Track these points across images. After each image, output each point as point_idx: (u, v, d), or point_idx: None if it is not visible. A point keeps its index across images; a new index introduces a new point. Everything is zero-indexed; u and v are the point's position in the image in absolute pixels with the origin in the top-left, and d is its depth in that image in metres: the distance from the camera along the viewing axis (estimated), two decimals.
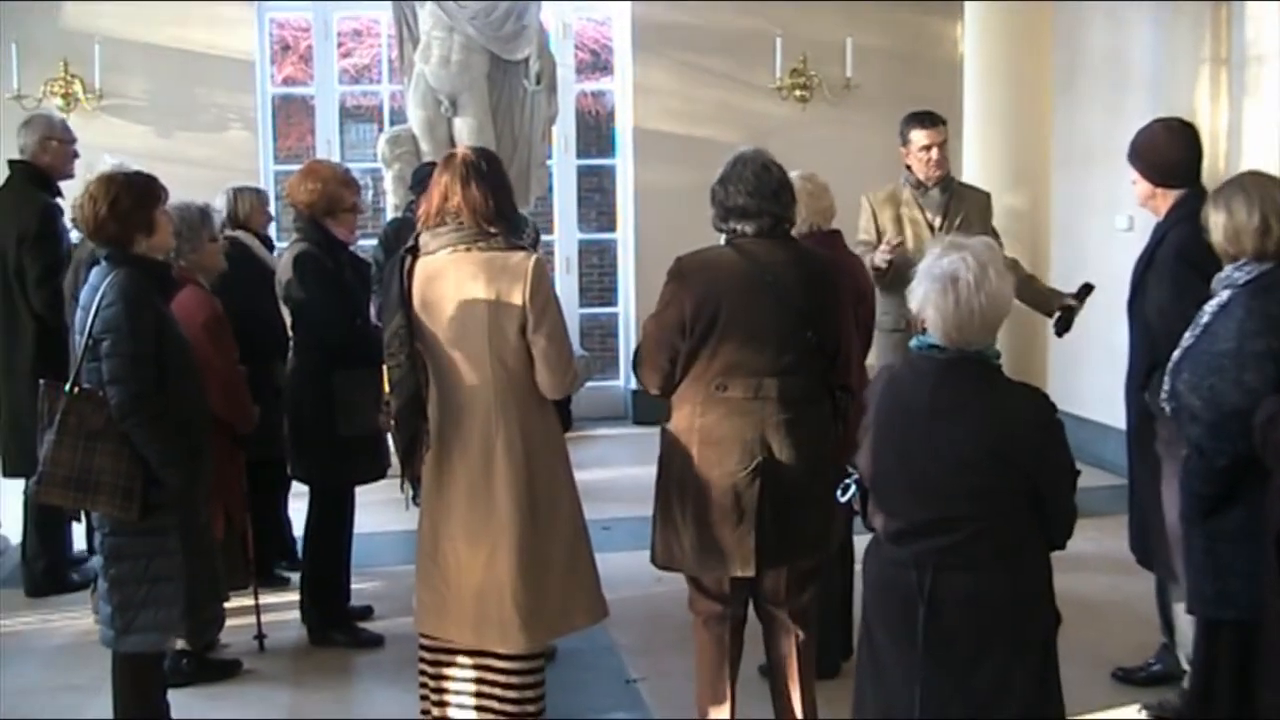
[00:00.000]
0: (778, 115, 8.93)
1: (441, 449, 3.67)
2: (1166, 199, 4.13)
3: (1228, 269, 3.51)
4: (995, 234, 5.14)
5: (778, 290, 3.50)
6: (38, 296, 5.46)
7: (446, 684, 3.77)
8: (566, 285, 9.27)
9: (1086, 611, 4.82)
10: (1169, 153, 4.14)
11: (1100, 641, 4.67)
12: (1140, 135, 4.22)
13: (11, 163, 5.70)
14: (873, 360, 4.57)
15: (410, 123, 8.22)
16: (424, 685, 3.83)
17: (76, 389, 3.61)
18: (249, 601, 4.83)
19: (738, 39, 9.01)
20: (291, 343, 5.07)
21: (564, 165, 9.43)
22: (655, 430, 3.76)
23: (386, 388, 3.79)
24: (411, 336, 3.60)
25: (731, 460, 3.51)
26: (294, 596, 5.17)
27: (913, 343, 2.94)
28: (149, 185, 3.79)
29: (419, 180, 6.51)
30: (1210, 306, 3.51)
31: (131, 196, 3.69)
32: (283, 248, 5.42)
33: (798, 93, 9.04)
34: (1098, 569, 5.38)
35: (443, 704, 3.78)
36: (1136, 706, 4.26)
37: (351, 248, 5.13)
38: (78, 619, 5.19)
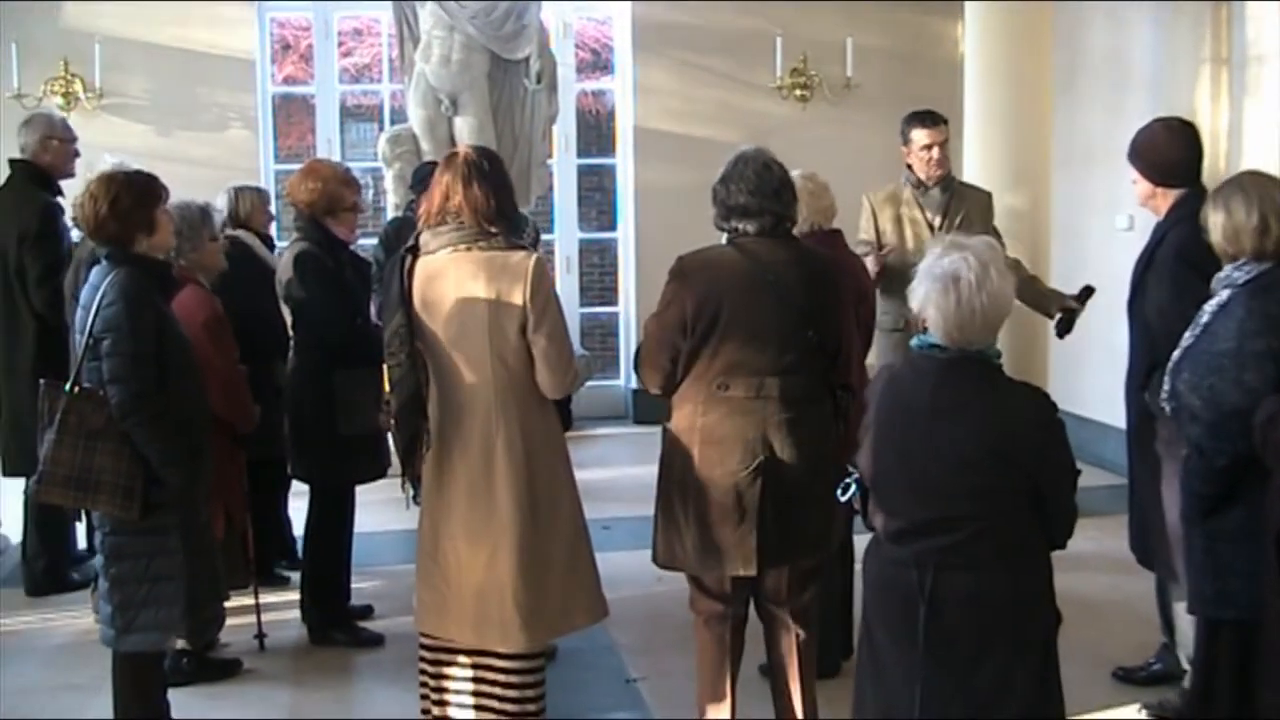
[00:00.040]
0: (778, 115, 8.93)
1: (442, 448, 3.67)
2: (1166, 199, 4.13)
3: (1227, 269, 3.51)
4: (997, 234, 5.14)
5: (779, 289, 3.50)
6: (38, 296, 5.46)
7: (447, 683, 3.77)
8: (567, 285, 9.27)
9: (1087, 611, 4.82)
10: (1169, 152, 4.14)
11: (1101, 641, 4.67)
12: (1140, 135, 4.22)
13: (12, 162, 5.70)
14: (873, 360, 4.57)
15: (411, 122, 8.22)
16: (424, 685, 3.83)
17: (77, 388, 3.61)
18: (249, 601, 4.84)
19: (738, 39, 9.01)
20: (292, 342, 5.07)
21: (564, 164, 9.43)
22: (656, 430, 3.76)
23: (387, 387, 3.79)
24: (412, 336, 3.60)
25: (733, 459, 3.51)
26: (294, 596, 5.18)
27: (914, 342, 2.94)
28: (150, 184, 3.79)
29: (419, 179, 6.52)
30: (1210, 306, 3.51)
31: (132, 196, 3.69)
32: (283, 247, 5.42)
33: (798, 92, 9.04)
34: (1098, 569, 5.38)
35: (443, 703, 3.78)
36: (1137, 706, 4.26)
37: (352, 247, 5.13)
38: (78, 618, 5.19)
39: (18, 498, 5.58)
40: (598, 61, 11.32)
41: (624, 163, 9.46)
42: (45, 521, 5.54)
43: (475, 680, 3.72)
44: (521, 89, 8.27)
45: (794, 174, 3.79)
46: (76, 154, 5.76)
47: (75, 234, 5.28)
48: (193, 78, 8.63)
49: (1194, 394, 3.43)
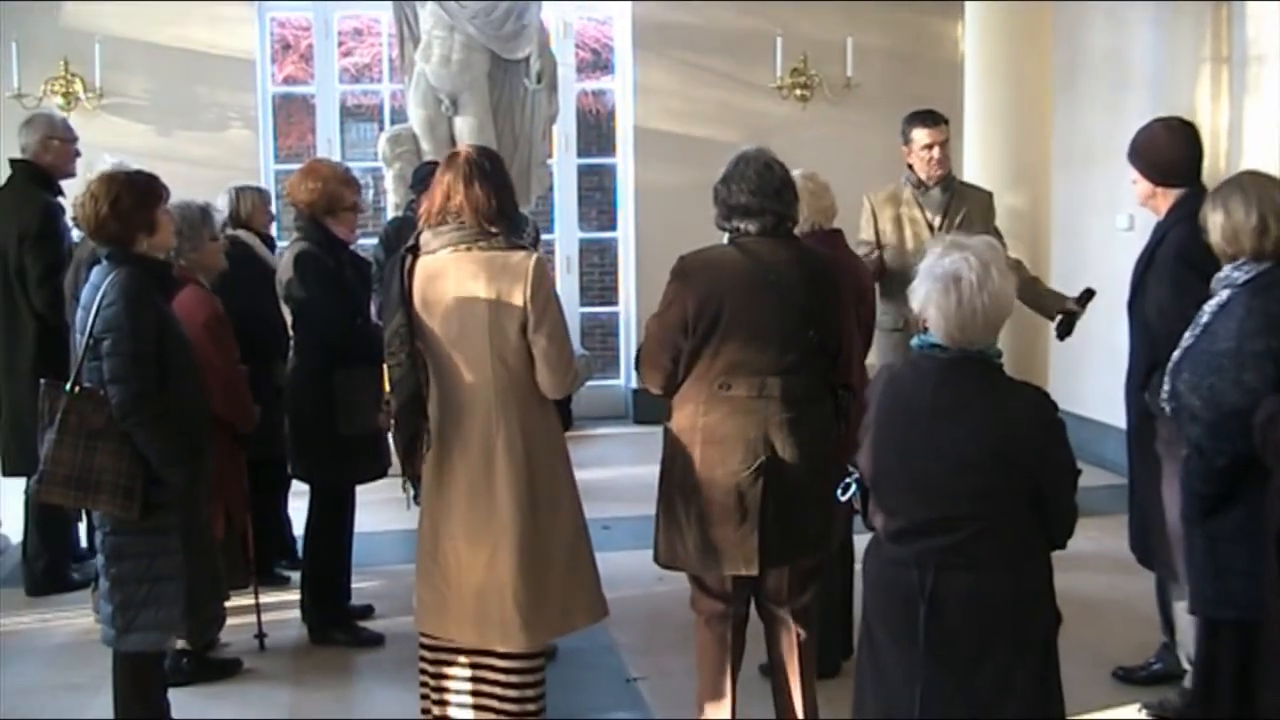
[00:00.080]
0: (778, 115, 8.93)
1: (442, 448, 3.67)
2: (1167, 198, 4.13)
3: (1227, 269, 3.51)
4: (998, 234, 5.14)
5: (780, 289, 3.50)
6: (39, 295, 5.46)
7: (447, 683, 3.77)
8: (567, 284, 9.27)
9: (1087, 611, 4.82)
10: (1169, 152, 4.14)
11: (1101, 641, 4.67)
12: (1140, 134, 4.22)
13: (13, 161, 5.70)
14: (873, 360, 4.57)
15: (411, 122, 8.22)
16: (424, 684, 3.83)
17: (77, 388, 3.61)
18: (249, 601, 4.83)
19: (738, 38, 9.01)
20: (292, 342, 5.07)
21: (564, 164, 9.43)
22: (656, 429, 3.76)
23: (387, 387, 3.79)
24: (412, 335, 3.60)
25: (735, 459, 3.51)
26: (294, 596, 5.18)
27: (914, 342, 2.94)
28: (150, 184, 3.79)
29: (419, 179, 6.51)
30: (1210, 306, 3.52)
31: (133, 195, 3.70)
32: (284, 247, 5.43)
33: (798, 92, 9.04)
34: (1098, 568, 5.38)
35: (443, 703, 3.78)
36: (1137, 706, 4.26)
37: (352, 247, 5.13)
38: (78, 618, 5.19)
39: (18, 498, 5.58)
40: (598, 61, 11.32)
41: (624, 162, 9.46)
42: (45, 521, 5.54)
43: (475, 680, 3.72)
44: (522, 89, 8.27)
45: (794, 174, 3.79)
46: (77, 154, 5.77)
47: (76, 234, 5.28)
48: (193, 77, 8.63)
49: (1194, 394, 3.43)
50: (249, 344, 4.73)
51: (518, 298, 3.54)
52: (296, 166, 5.71)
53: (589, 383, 7.66)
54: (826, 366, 3.61)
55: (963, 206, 5.37)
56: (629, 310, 9.45)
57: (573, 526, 3.76)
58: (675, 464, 3.63)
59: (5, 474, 5.62)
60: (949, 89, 8.91)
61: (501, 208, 3.61)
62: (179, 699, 4.06)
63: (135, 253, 3.71)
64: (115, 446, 3.59)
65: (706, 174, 3.73)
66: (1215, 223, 3.51)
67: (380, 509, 5.14)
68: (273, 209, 5.97)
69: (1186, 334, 3.56)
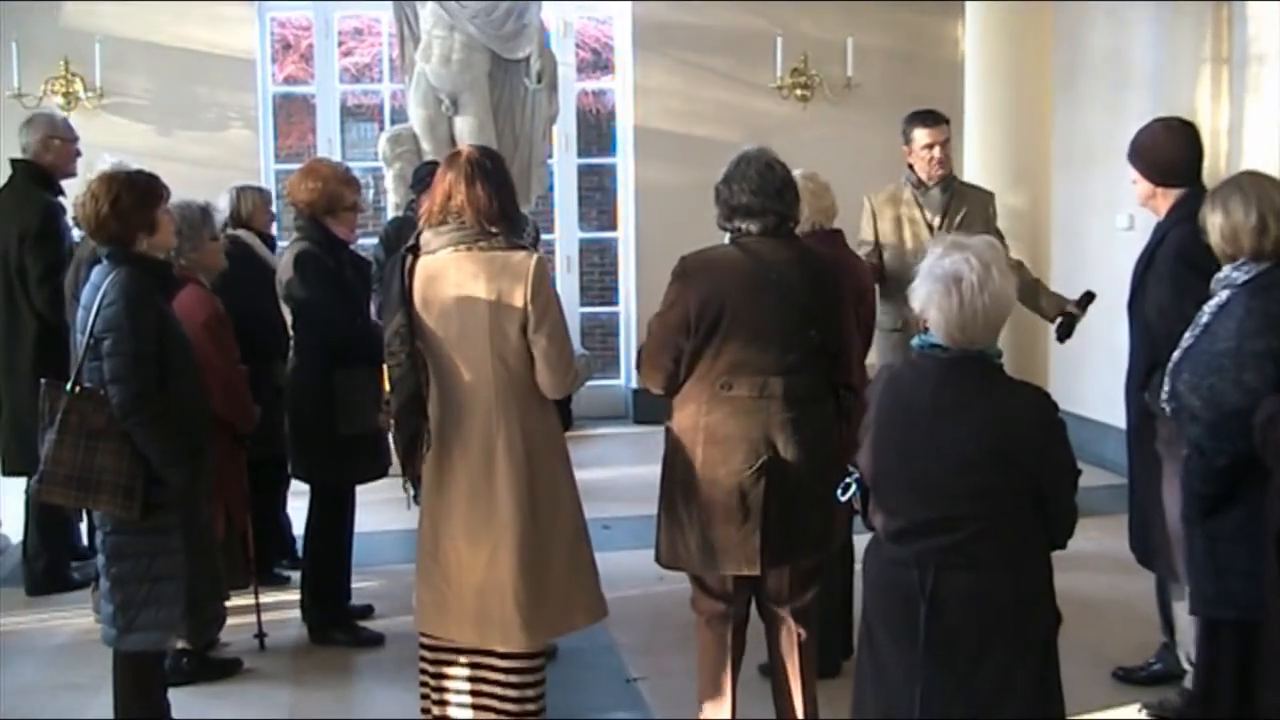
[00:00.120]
0: (778, 114, 8.93)
1: (442, 448, 3.67)
2: (1167, 198, 4.13)
3: (1226, 269, 3.51)
4: (1000, 235, 5.14)
5: (782, 289, 3.50)
6: (39, 295, 5.46)
7: (447, 683, 3.77)
8: (567, 284, 9.27)
9: (1087, 611, 4.82)
10: (1169, 152, 4.14)
11: (1101, 641, 4.68)
12: (1141, 134, 4.21)
13: (14, 161, 5.70)
14: (872, 360, 4.57)
15: (411, 121, 8.22)
16: (424, 684, 3.83)
17: (78, 388, 3.61)
18: (249, 600, 4.83)
19: (738, 38, 9.01)
20: (292, 342, 5.07)
21: (565, 164, 9.43)
22: (656, 429, 3.76)
23: (387, 387, 3.79)
24: (412, 335, 3.60)
25: (737, 459, 3.51)
26: (294, 595, 5.18)
27: (915, 341, 2.94)
28: (150, 184, 3.79)
29: (420, 179, 6.51)
30: (1209, 306, 3.52)
31: (133, 195, 3.70)
32: (284, 247, 5.43)
33: (798, 92, 9.04)
34: (1098, 568, 5.38)
35: (443, 703, 3.78)
36: (1137, 706, 4.26)
37: (352, 246, 5.13)
38: (78, 618, 5.19)
39: (18, 497, 5.58)
40: (598, 61, 11.33)
41: (624, 162, 9.46)
42: (45, 521, 5.55)
43: (475, 680, 3.72)
44: (522, 88, 8.27)
45: (795, 174, 3.79)
46: (78, 154, 5.77)
47: (76, 233, 5.28)
48: (193, 77, 8.63)
49: (1194, 394, 3.43)
50: (249, 344, 4.74)
51: (518, 298, 3.54)
52: (296, 166, 5.72)
53: (589, 383, 7.67)
54: (828, 366, 3.61)
55: (963, 207, 5.36)
56: (629, 310, 9.45)
57: (573, 526, 3.76)
58: (677, 464, 3.63)
59: (5, 474, 5.63)
60: (949, 89, 8.91)
61: (502, 208, 3.61)
62: (179, 699, 4.07)
63: (135, 252, 3.71)
64: (116, 446, 3.59)
65: (707, 174, 3.72)
66: (1214, 223, 3.51)
67: (380, 509, 5.14)
68: (273, 209, 5.97)
69: (1186, 334, 3.56)
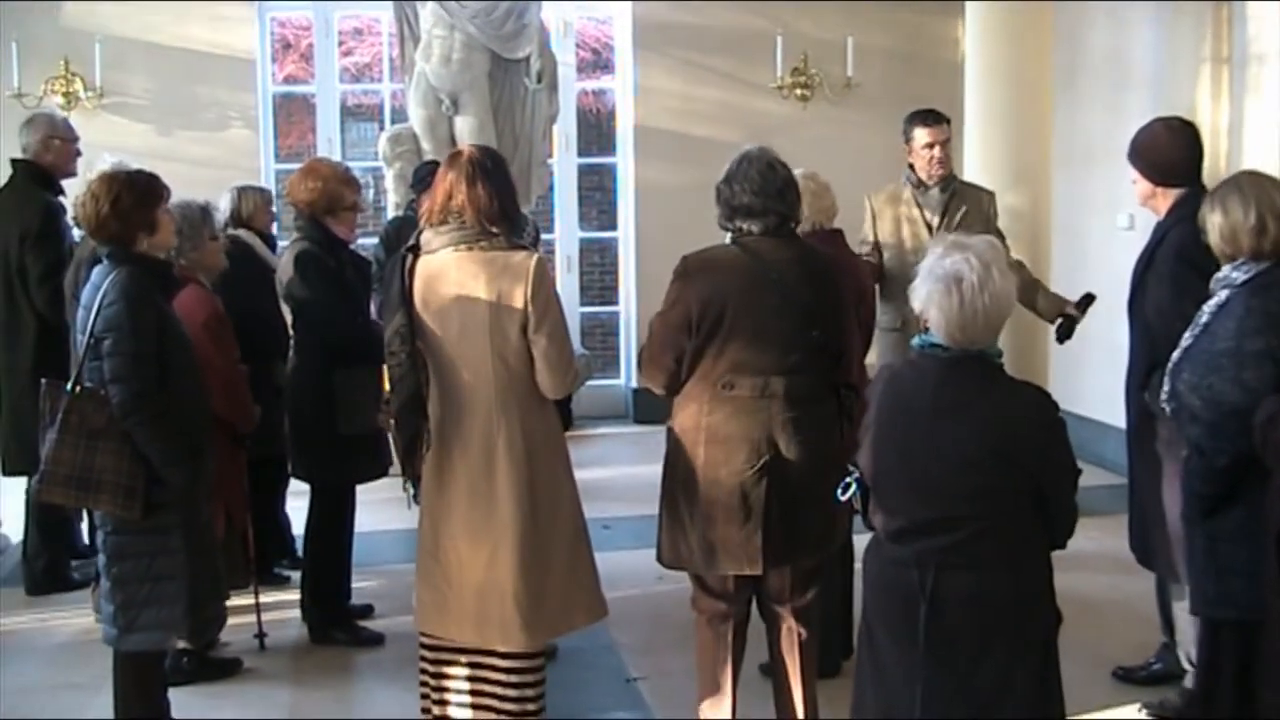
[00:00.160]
0: (779, 114, 8.93)
1: (442, 448, 3.67)
2: (1167, 198, 4.13)
3: (1225, 269, 3.51)
4: (1000, 235, 5.14)
5: (783, 289, 3.50)
6: (39, 295, 5.46)
7: (447, 683, 3.77)
8: (567, 284, 9.27)
9: (1087, 611, 4.82)
10: (1169, 152, 4.14)
11: (1101, 641, 4.68)
12: (1141, 134, 4.21)
13: (14, 161, 5.70)
14: (872, 359, 4.57)
15: (411, 121, 8.22)
16: (424, 684, 3.83)
17: (78, 388, 3.61)
18: (249, 600, 4.83)
19: (739, 38, 9.01)
20: (292, 341, 5.07)
21: (565, 164, 9.42)
22: (656, 429, 3.76)
23: (387, 386, 3.79)
24: (412, 335, 3.60)
25: (738, 459, 3.51)
26: (294, 595, 5.18)
27: (915, 341, 2.94)
28: (151, 184, 3.79)
29: (420, 179, 6.52)
30: (1209, 306, 3.52)
31: (133, 195, 3.70)
32: (284, 247, 5.43)
33: (799, 92, 9.04)
34: (1098, 568, 5.38)
35: (443, 703, 3.78)
36: (1137, 706, 4.26)
37: (352, 246, 5.13)
38: (78, 618, 5.19)
39: (18, 497, 5.58)
40: (598, 61, 11.32)
41: (624, 162, 9.46)
42: (45, 521, 5.55)
43: (475, 680, 3.72)
44: (522, 88, 8.27)
45: (795, 173, 3.79)
46: (79, 154, 5.77)
47: (76, 233, 5.28)
48: (193, 77, 8.63)
49: (1194, 394, 3.43)
50: (249, 344, 4.73)
51: (519, 298, 3.54)
52: (297, 166, 5.72)
53: (589, 383, 7.67)
54: (830, 366, 3.61)
55: (962, 206, 5.36)
56: (629, 310, 9.45)
57: (573, 526, 3.76)
58: (678, 464, 3.63)
59: (6, 473, 5.63)
60: (949, 89, 8.91)
61: (503, 208, 3.62)
62: (179, 699, 4.07)
63: (136, 252, 3.71)
64: (116, 446, 3.59)
65: (707, 174, 3.72)
66: (1214, 223, 3.51)
67: (380, 509, 5.14)
68: (274, 209, 5.97)
69: (1186, 334, 3.56)
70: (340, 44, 10.19)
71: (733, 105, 8.96)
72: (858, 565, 3.40)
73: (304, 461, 4.97)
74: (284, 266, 4.90)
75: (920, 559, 2.83)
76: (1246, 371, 3.31)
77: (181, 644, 4.23)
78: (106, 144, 6.61)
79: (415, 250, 3.63)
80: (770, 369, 3.51)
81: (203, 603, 3.80)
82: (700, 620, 3.76)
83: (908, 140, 5.37)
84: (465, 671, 3.73)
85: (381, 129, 9.17)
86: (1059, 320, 5.31)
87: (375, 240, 7.17)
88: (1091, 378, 7.31)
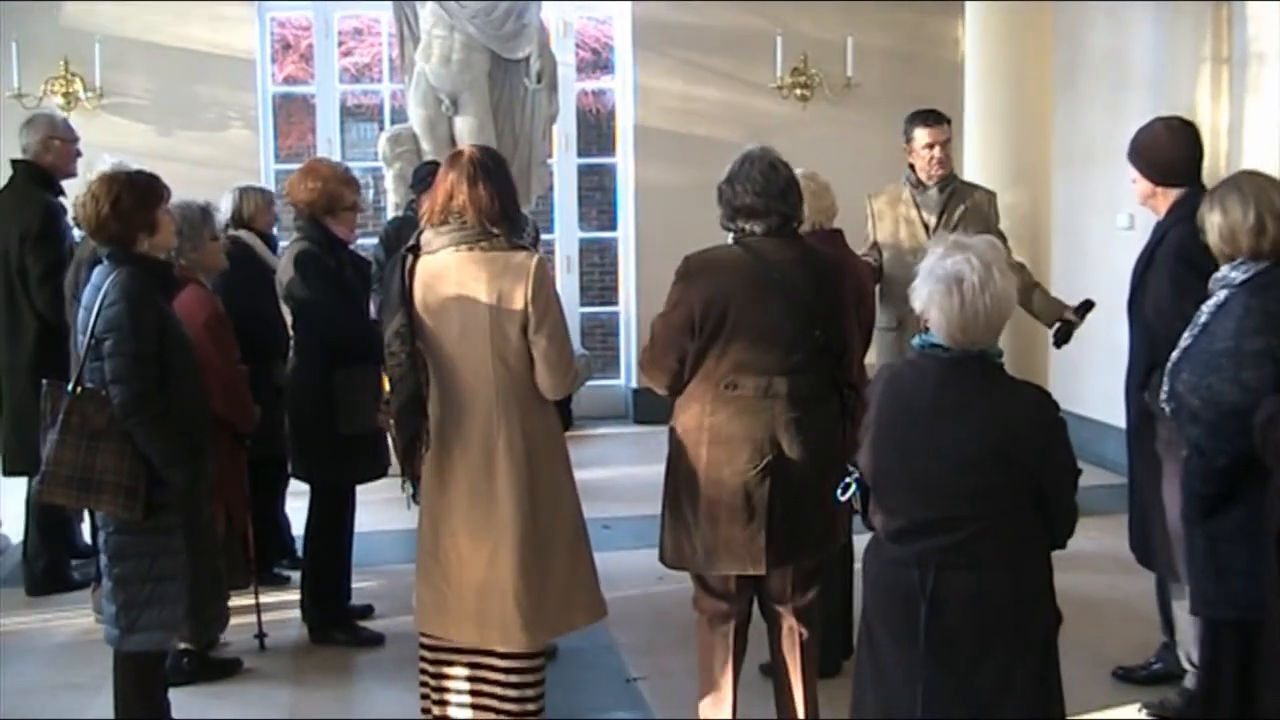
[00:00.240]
0: (778, 114, 8.93)
1: (442, 448, 3.67)
2: (1166, 198, 4.13)
3: (1224, 269, 3.51)
4: (1002, 235, 5.13)
5: (786, 289, 3.50)
6: (40, 295, 5.46)
7: (447, 683, 3.77)
8: (567, 284, 9.27)
9: (1087, 611, 4.82)
10: (1169, 151, 4.14)
11: (1101, 640, 4.68)
12: (1141, 134, 4.21)
13: (14, 162, 5.70)
14: (871, 359, 4.57)
15: (411, 121, 8.22)
16: (424, 684, 3.83)
17: (79, 388, 3.61)
18: (249, 600, 4.83)
19: (738, 38, 9.01)
20: (292, 341, 5.07)
21: (565, 164, 9.42)
22: (656, 429, 3.76)
23: (387, 386, 3.79)
24: (412, 335, 3.60)
25: (741, 459, 3.51)
26: (294, 595, 5.18)
27: (915, 341, 2.94)
28: (151, 184, 3.79)
29: (420, 179, 6.52)
30: (1208, 306, 3.52)
31: (133, 196, 3.70)
32: (285, 247, 5.43)
33: (798, 92, 9.04)
34: (1098, 568, 5.38)
35: (443, 703, 3.78)
36: (1137, 706, 4.26)
37: (351, 246, 5.13)
38: (78, 618, 5.19)
39: (19, 497, 5.58)
40: (598, 61, 11.33)
41: (624, 162, 9.46)
42: (46, 521, 5.55)
43: (475, 680, 3.72)
44: (522, 88, 8.27)
45: (795, 173, 3.79)
46: (79, 154, 5.77)
47: (77, 234, 5.28)
48: (193, 77, 8.62)
49: (1193, 394, 3.43)
50: (249, 344, 4.74)
51: (519, 299, 3.54)
52: (296, 166, 5.72)
53: (589, 383, 7.67)
54: (832, 366, 3.62)
55: (960, 207, 5.35)
56: (629, 310, 9.45)
57: (573, 526, 3.76)
58: (681, 464, 3.63)
59: (6, 474, 5.63)
60: (949, 89, 8.91)
61: (504, 208, 3.61)
62: (179, 699, 4.07)
63: (136, 253, 3.71)
64: (117, 446, 3.59)
65: (707, 174, 3.72)
66: (1213, 223, 3.51)
67: (380, 509, 5.14)
68: (276, 209, 5.97)
69: (1185, 334, 3.56)
70: (340, 44, 10.19)
71: (733, 105, 8.96)
72: (858, 565, 3.40)
73: (304, 461, 4.97)
74: (284, 266, 4.90)
75: (920, 559, 2.83)
76: (1245, 371, 3.32)
77: (183, 644, 4.23)
78: (106, 144, 6.61)
79: (415, 250, 3.63)
80: (773, 369, 3.51)
81: (204, 603, 3.80)
82: (701, 620, 3.76)
83: (908, 140, 5.37)
84: (465, 671, 3.73)
85: (381, 129, 9.17)
86: (1057, 325, 5.32)
87: (375, 240, 7.17)
88: (1091, 378, 7.31)
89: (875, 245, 5.36)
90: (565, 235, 9.57)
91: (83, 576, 5.50)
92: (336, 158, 8.23)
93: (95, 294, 3.65)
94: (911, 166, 5.38)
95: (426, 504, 3.74)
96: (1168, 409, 3.62)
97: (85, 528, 5.72)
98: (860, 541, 3.26)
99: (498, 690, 3.70)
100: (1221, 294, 3.48)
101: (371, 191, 9.62)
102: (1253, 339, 3.33)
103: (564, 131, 9.28)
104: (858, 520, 3.15)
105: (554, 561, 3.68)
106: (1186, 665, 4.11)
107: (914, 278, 2.89)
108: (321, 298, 4.80)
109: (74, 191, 4.41)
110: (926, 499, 2.84)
